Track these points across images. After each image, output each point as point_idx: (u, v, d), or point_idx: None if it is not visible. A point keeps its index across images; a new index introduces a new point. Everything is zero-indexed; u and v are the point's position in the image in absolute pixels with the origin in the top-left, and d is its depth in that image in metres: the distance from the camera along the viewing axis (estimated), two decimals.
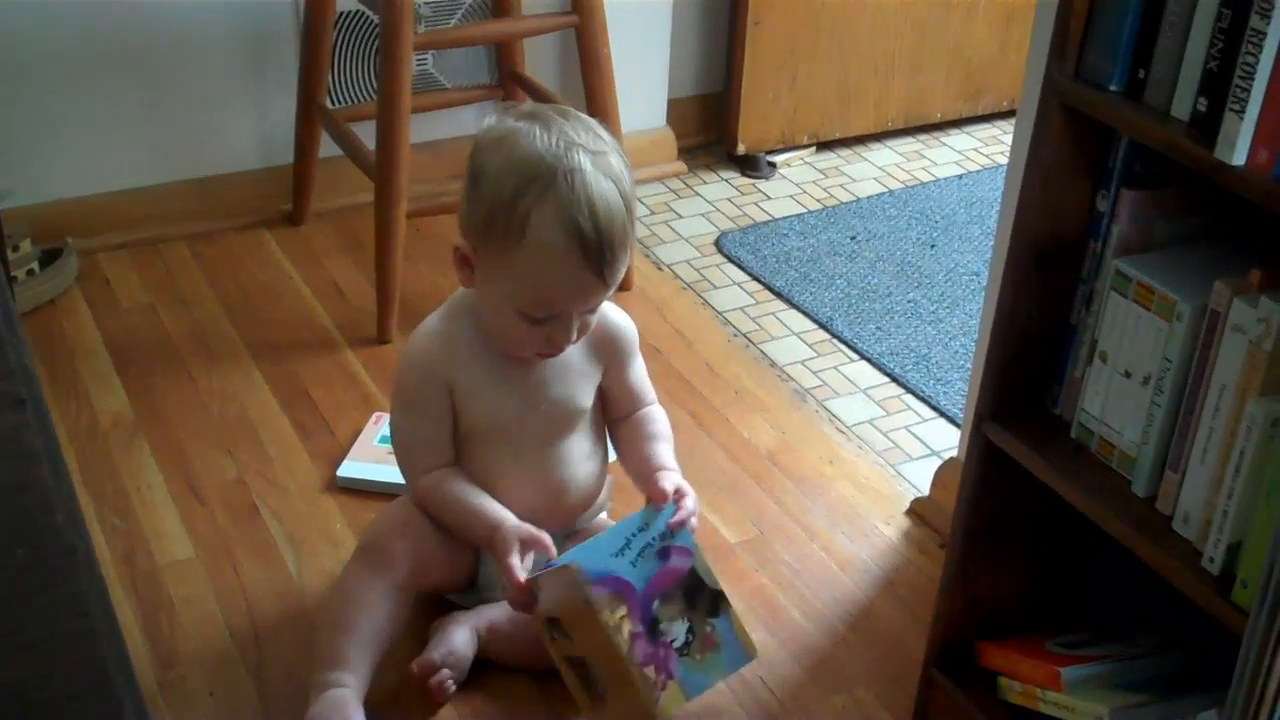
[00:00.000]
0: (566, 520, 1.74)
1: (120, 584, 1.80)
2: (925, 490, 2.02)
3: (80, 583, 0.67)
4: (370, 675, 1.59)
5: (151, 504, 1.94)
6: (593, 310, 1.58)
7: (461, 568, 1.71)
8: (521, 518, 1.63)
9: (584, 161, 1.49)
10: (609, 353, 1.69)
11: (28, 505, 0.71)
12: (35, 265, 2.36)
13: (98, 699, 0.61)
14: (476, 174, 1.53)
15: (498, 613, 1.68)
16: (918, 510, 2.00)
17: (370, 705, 1.57)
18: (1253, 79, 1.09)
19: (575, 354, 1.65)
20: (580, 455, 1.70)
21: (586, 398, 1.69)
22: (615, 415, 1.74)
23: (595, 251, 1.49)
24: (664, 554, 1.56)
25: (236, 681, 1.67)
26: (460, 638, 1.66)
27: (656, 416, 1.74)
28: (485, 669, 1.68)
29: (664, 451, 1.70)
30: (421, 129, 2.56)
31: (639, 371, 1.74)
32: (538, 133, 1.51)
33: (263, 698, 1.64)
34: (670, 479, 1.62)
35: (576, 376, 1.67)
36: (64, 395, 2.15)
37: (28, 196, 2.44)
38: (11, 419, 0.75)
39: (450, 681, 1.63)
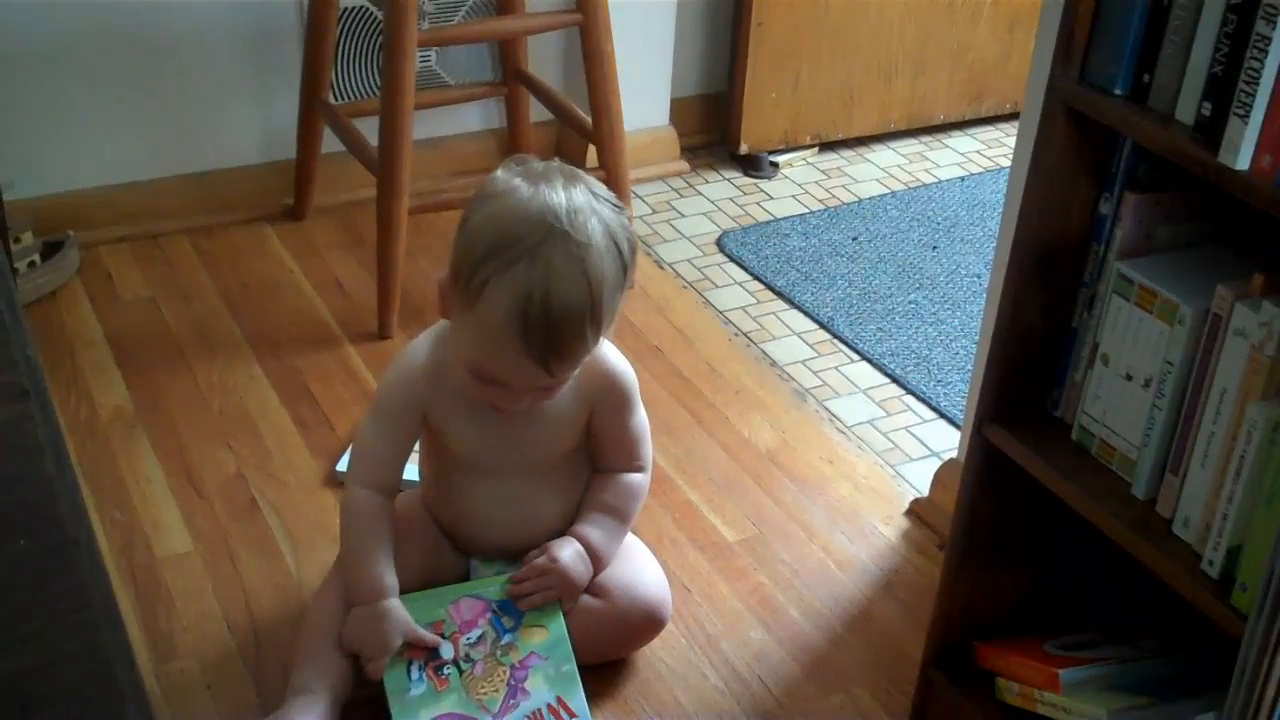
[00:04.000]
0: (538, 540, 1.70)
1: (118, 576, 1.80)
2: (925, 491, 2.02)
3: (83, 574, 0.67)
4: (349, 679, 1.59)
5: (151, 497, 1.94)
6: (547, 389, 1.53)
7: (448, 570, 1.71)
8: (497, 543, 1.68)
9: (558, 251, 1.43)
10: (598, 399, 1.63)
11: (31, 496, 0.71)
12: (37, 257, 2.36)
13: (100, 690, 0.61)
14: (463, 220, 1.51)
15: None
16: (917, 511, 2.00)
17: (364, 713, 1.57)
18: (1257, 84, 1.09)
19: (567, 400, 1.60)
20: (561, 488, 1.68)
21: (568, 440, 1.65)
22: (596, 463, 1.70)
23: (537, 343, 1.44)
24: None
25: (234, 675, 1.67)
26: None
27: (625, 487, 1.68)
28: None
29: (594, 525, 1.66)
30: (424, 125, 2.56)
31: (630, 428, 1.67)
32: (530, 202, 1.46)
33: (260, 692, 1.64)
34: (551, 551, 1.62)
35: (559, 420, 1.63)
36: (64, 388, 2.15)
37: (30, 188, 2.44)
38: (15, 410, 0.75)
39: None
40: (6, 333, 0.83)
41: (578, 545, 1.64)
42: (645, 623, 1.69)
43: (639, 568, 1.71)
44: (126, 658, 0.65)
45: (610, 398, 1.64)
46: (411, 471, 1.75)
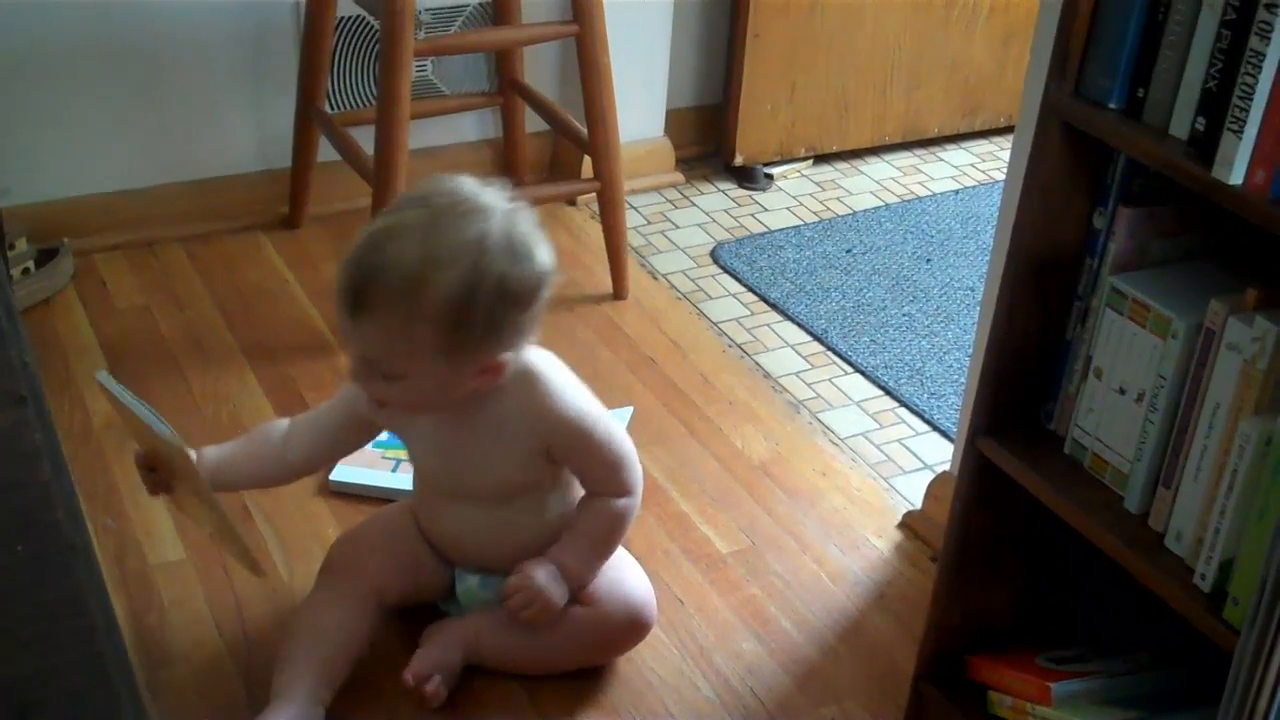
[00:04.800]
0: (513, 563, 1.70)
1: (111, 584, 1.80)
2: (918, 503, 2.03)
3: (80, 580, 0.67)
4: (329, 684, 1.59)
5: (143, 505, 1.93)
6: (382, 373, 1.50)
7: (433, 580, 1.72)
8: (471, 562, 1.70)
9: (417, 218, 1.44)
10: (551, 438, 1.60)
11: (28, 502, 0.71)
12: (31, 264, 2.36)
13: (97, 696, 0.61)
14: None
15: (485, 621, 1.68)
16: (910, 523, 2.00)
17: (362, 715, 1.57)
18: (1251, 99, 1.09)
19: (507, 425, 1.58)
20: (530, 518, 1.66)
21: (520, 473, 1.62)
22: (582, 485, 1.69)
23: (344, 284, 1.46)
24: None
25: (226, 683, 1.66)
26: (450, 645, 1.67)
27: (602, 512, 1.66)
28: (475, 676, 1.68)
29: (568, 548, 1.65)
30: (420, 135, 2.56)
31: (599, 460, 1.63)
32: (453, 183, 1.49)
33: (252, 699, 1.64)
34: (525, 570, 1.63)
35: (504, 449, 1.60)
36: (57, 395, 2.14)
37: (25, 195, 2.44)
38: (12, 416, 0.75)
39: (443, 687, 1.64)
40: (4, 339, 0.83)
41: (552, 566, 1.63)
42: (629, 627, 1.69)
43: (621, 573, 1.70)
44: (123, 663, 0.65)
45: (563, 438, 1.60)
46: (406, 481, 1.75)
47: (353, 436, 1.71)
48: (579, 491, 1.73)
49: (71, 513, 0.72)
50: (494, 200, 1.48)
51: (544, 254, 1.50)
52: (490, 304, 1.45)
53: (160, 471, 1.65)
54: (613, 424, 1.65)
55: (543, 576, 1.62)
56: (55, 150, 2.48)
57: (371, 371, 1.52)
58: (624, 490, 1.66)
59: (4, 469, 0.74)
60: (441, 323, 1.44)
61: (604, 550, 1.67)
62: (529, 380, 1.58)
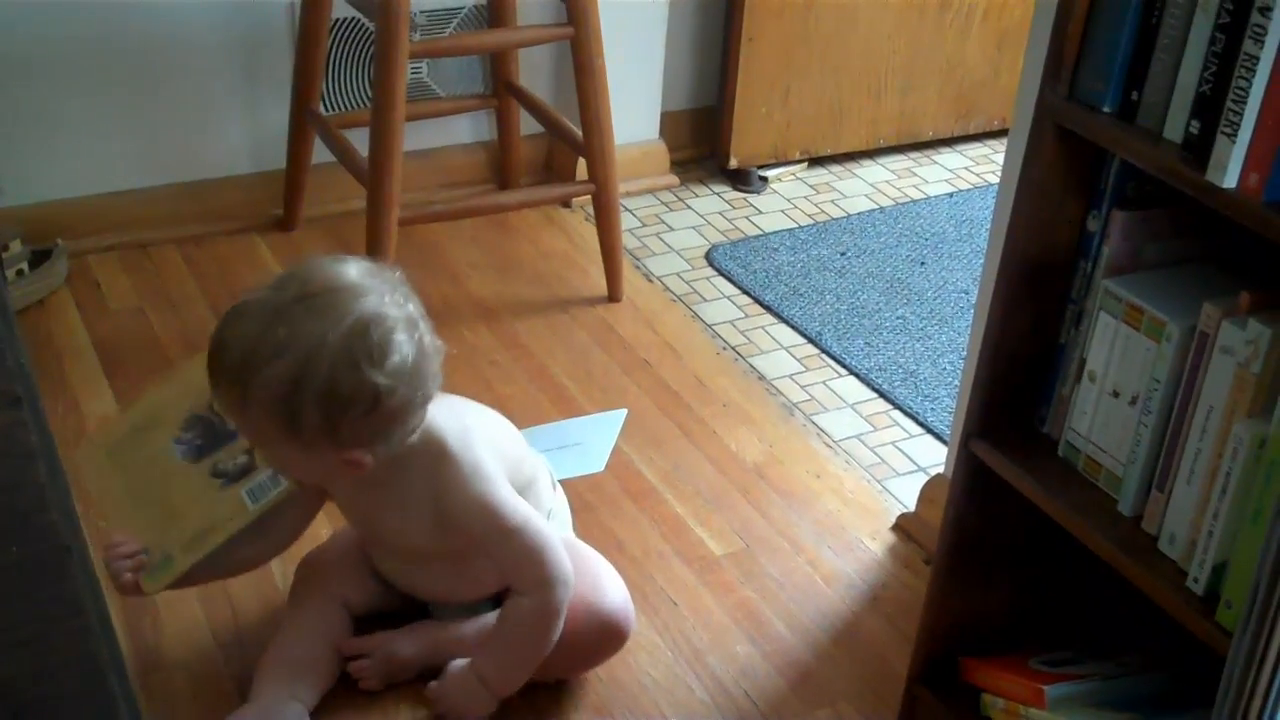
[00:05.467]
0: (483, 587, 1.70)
1: (104, 586, 1.80)
2: (911, 506, 2.03)
3: (75, 581, 0.67)
4: (305, 682, 1.61)
5: None
6: (253, 441, 1.50)
7: (404, 606, 1.73)
8: (424, 597, 1.71)
9: (264, 296, 1.43)
10: (454, 520, 1.56)
11: (23, 503, 0.71)
12: (25, 266, 2.36)
13: (92, 697, 0.61)
14: None
15: (462, 629, 1.69)
16: (904, 526, 2.00)
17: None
18: (1245, 103, 1.10)
19: (410, 498, 1.56)
20: (462, 576, 1.66)
21: (431, 540, 1.59)
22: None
23: (207, 363, 1.45)
24: None
25: (219, 685, 1.66)
26: (407, 640, 1.68)
27: (515, 615, 1.60)
28: None
29: (488, 656, 1.62)
30: (415, 137, 2.56)
31: (507, 554, 1.58)
32: (347, 275, 1.44)
33: (244, 703, 1.64)
34: (441, 689, 1.63)
35: (412, 519, 1.57)
36: (51, 396, 2.14)
37: (19, 197, 2.43)
38: (8, 417, 0.75)
39: (370, 674, 1.65)
40: None
41: (472, 678, 1.62)
42: (606, 639, 1.66)
43: (597, 580, 1.68)
44: (119, 664, 0.65)
45: (465, 524, 1.56)
46: None
47: (312, 497, 1.65)
48: (562, 509, 1.74)
49: (66, 514, 0.72)
50: (359, 301, 1.41)
51: (394, 363, 1.41)
52: (317, 405, 1.39)
53: None
54: (526, 512, 1.58)
55: (458, 694, 1.62)
56: (50, 151, 2.48)
57: (242, 433, 1.53)
58: (542, 584, 1.58)
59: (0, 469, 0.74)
60: (271, 412, 1.40)
61: (528, 657, 1.62)
62: (436, 456, 1.54)
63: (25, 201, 2.45)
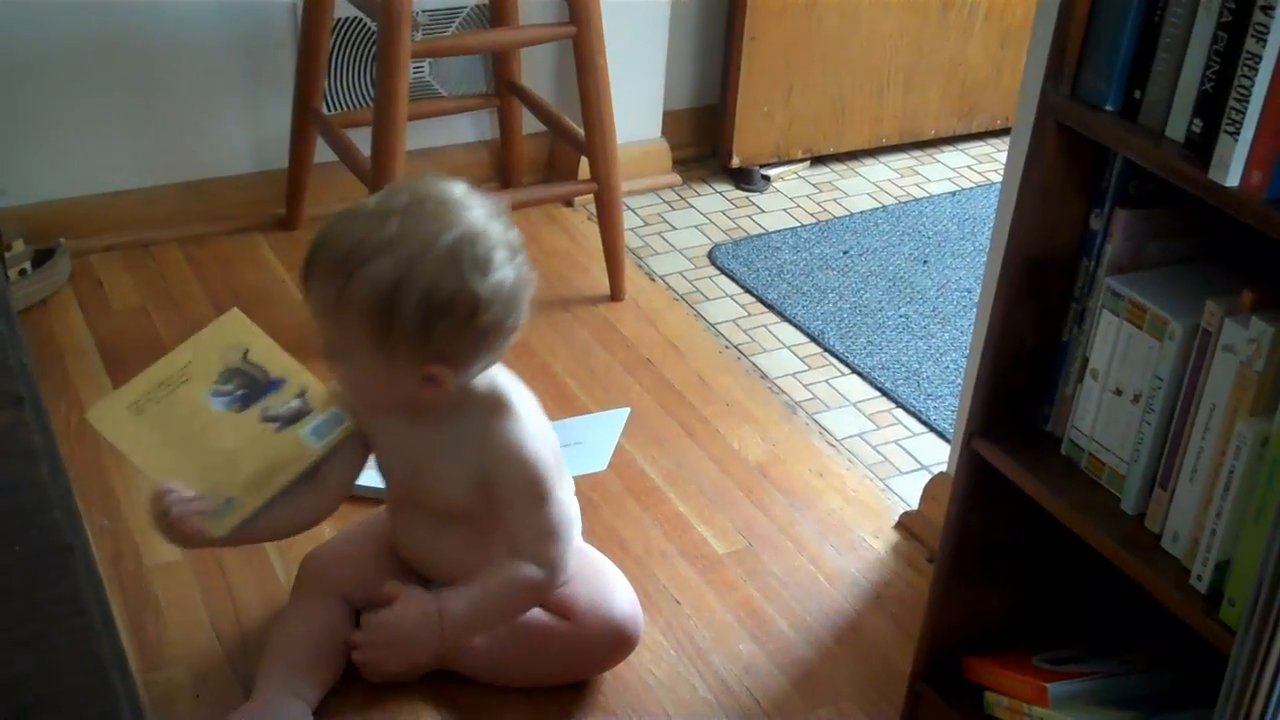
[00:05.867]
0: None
1: (108, 585, 1.80)
2: (914, 504, 2.03)
3: (77, 580, 0.67)
4: (307, 680, 1.61)
5: (140, 506, 1.93)
6: (327, 348, 1.51)
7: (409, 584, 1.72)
8: (433, 575, 1.68)
9: (384, 209, 1.46)
10: (494, 469, 1.56)
11: (25, 503, 0.71)
12: (28, 265, 2.36)
13: (95, 696, 0.61)
14: None
15: None
16: (907, 524, 2.00)
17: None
18: (1248, 101, 1.09)
19: (462, 446, 1.57)
20: (469, 544, 1.64)
21: (460, 494, 1.59)
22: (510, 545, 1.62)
23: (304, 261, 1.49)
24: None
25: (222, 684, 1.66)
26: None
27: (509, 577, 1.58)
28: (473, 687, 1.68)
29: (461, 598, 1.58)
30: (417, 136, 2.56)
31: (530, 520, 1.57)
32: (434, 183, 1.50)
33: (248, 699, 1.64)
34: (396, 606, 1.58)
35: (453, 468, 1.58)
36: (54, 395, 2.14)
37: (22, 196, 2.44)
38: (10, 416, 0.75)
39: (373, 668, 1.64)
40: (1, 340, 0.83)
41: (432, 610, 1.58)
42: (615, 643, 1.67)
43: (608, 587, 1.69)
44: (121, 664, 0.65)
45: (505, 476, 1.56)
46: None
47: (356, 454, 1.65)
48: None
49: (69, 513, 0.72)
50: (466, 211, 1.46)
51: (498, 275, 1.45)
52: (415, 309, 1.42)
53: None
54: (564, 493, 1.60)
55: (412, 614, 1.57)
56: (52, 151, 2.48)
57: (326, 344, 1.52)
58: (547, 563, 1.58)
59: (2, 470, 0.74)
60: (367, 313, 1.43)
61: (496, 617, 1.61)
62: (498, 408, 1.56)
63: (28, 201, 2.46)
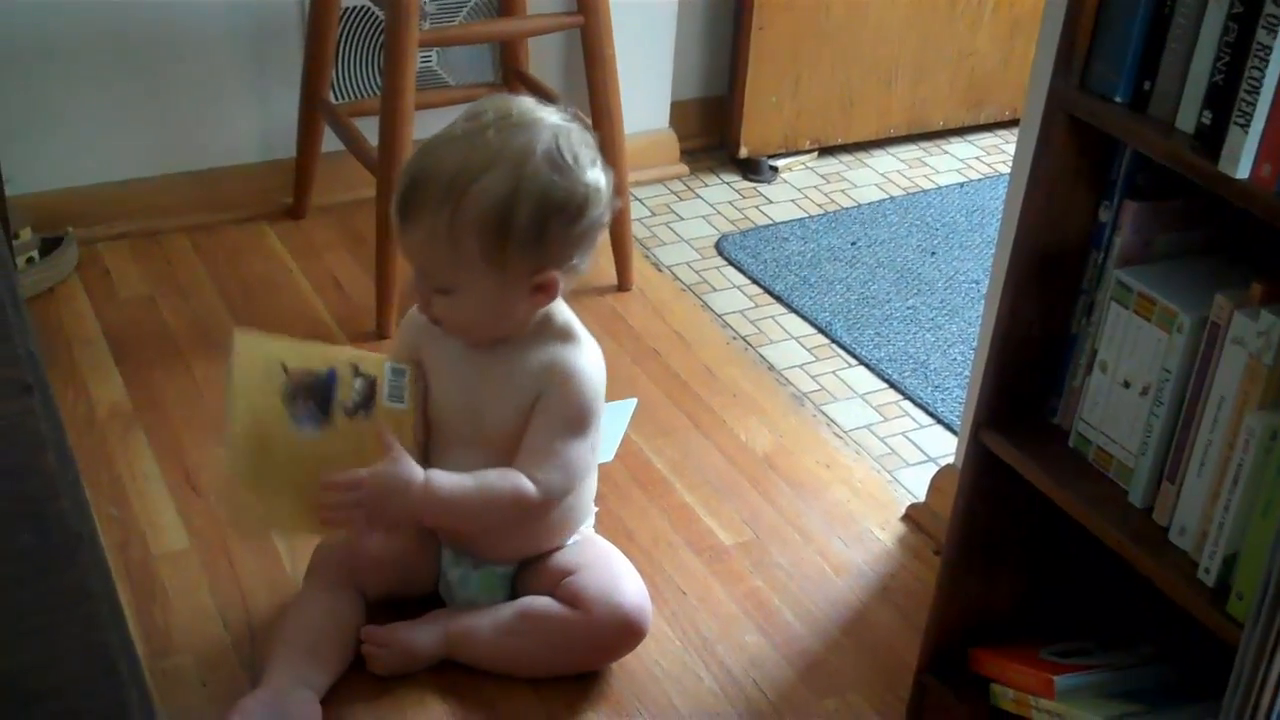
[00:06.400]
0: (499, 549, 1.70)
1: (115, 574, 1.80)
2: (921, 496, 2.03)
3: (85, 569, 0.67)
4: (316, 668, 1.61)
5: (147, 494, 1.94)
6: (434, 285, 1.54)
7: (419, 575, 1.73)
8: (421, 560, 1.70)
9: (469, 130, 1.50)
10: (545, 384, 1.60)
11: (33, 491, 0.71)
12: (35, 253, 2.36)
13: (102, 684, 0.61)
14: None
15: (475, 620, 1.68)
16: (913, 516, 2.00)
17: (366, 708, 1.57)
18: (1258, 93, 1.09)
19: (524, 375, 1.60)
20: None
21: (514, 424, 1.61)
22: (518, 458, 1.62)
23: (398, 190, 1.52)
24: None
25: (229, 672, 1.67)
26: (424, 631, 1.67)
27: (506, 483, 1.58)
28: (479, 678, 1.68)
29: (450, 479, 1.57)
30: (425, 125, 2.55)
31: (549, 441, 1.59)
32: (506, 100, 1.55)
33: (255, 689, 1.64)
34: (394, 450, 1.54)
35: (517, 402, 1.61)
36: (61, 384, 2.14)
37: (29, 184, 2.43)
38: (18, 405, 0.76)
39: (384, 664, 1.65)
40: (9, 328, 0.84)
41: (419, 474, 1.54)
42: (623, 633, 1.66)
43: (616, 576, 1.68)
44: (129, 651, 0.65)
45: (553, 389, 1.59)
46: None
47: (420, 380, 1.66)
48: (587, 499, 1.73)
49: (77, 501, 0.72)
50: (547, 116, 1.53)
51: (593, 171, 1.53)
52: (532, 212, 1.49)
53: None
54: (593, 440, 1.64)
55: (394, 478, 1.53)
56: (59, 140, 2.48)
57: (426, 285, 1.55)
58: (543, 485, 1.59)
59: (9, 457, 0.74)
60: (484, 229, 1.48)
61: (477, 512, 1.60)
62: (568, 338, 1.63)
63: (36, 189, 2.46)
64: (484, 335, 1.61)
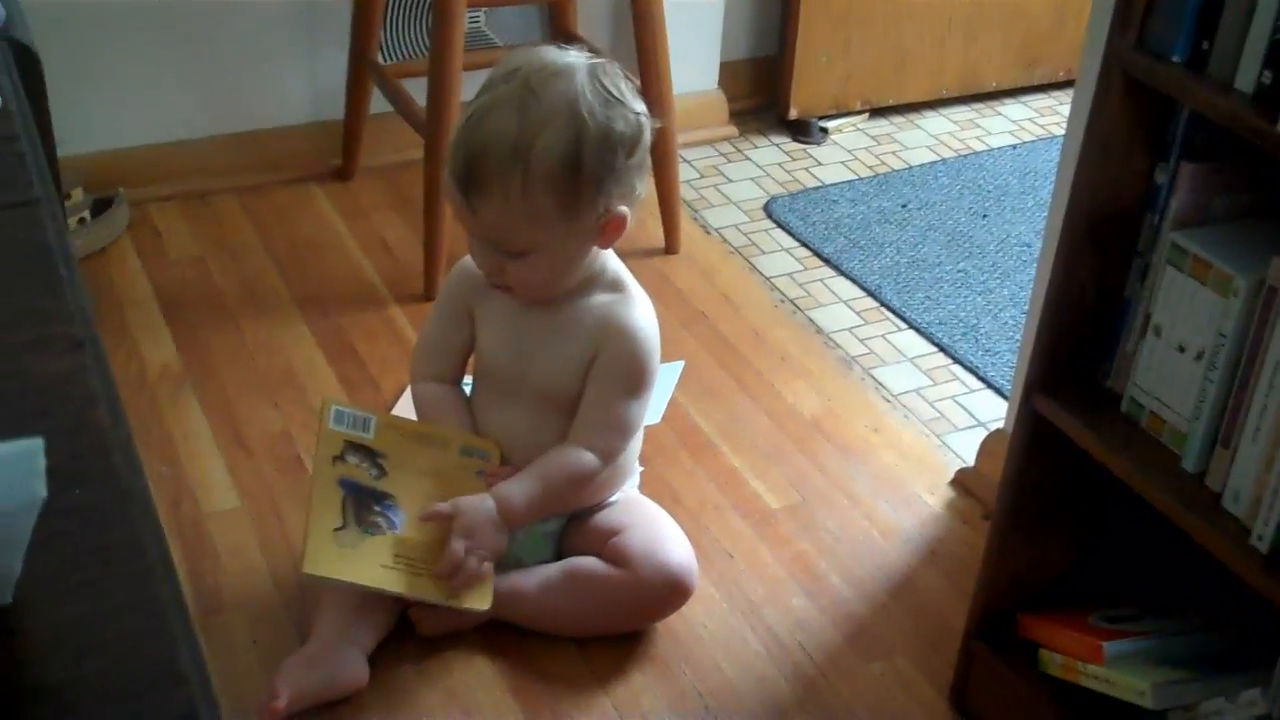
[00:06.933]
0: None
1: (166, 531, 1.81)
2: (970, 461, 2.01)
3: (137, 525, 0.68)
4: (364, 627, 1.61)
5: (198, 453, 1.95)
6: (509, 252, 1.55)
7: None
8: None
9: (508, 91, 1.50)
10: (602, 345, 1.62)
11: (86, 447, 0.72)
12: (86, 214, 2.38)
13: (154, 639, 0.62)
14: None
15: (524, 580, 1.68)
16: (962, 481, 1.99)
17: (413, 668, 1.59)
18: None
19: (578, 328, 1.62)
20: (557, 442, 1.65)
21: (572, 379, 1.64)
22: (573, 426, 1.66)
23: (458, 165, 1.51)
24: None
25: (278, 630, 1.68)
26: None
27: (569, 465, 1.62)
28: (526, 637, 1.69)
29: (518, 487, 1.61)
30: (472, 86, 2.54)
31: (605, 404, 1.63)
32: (528, 55, 1.54)
33: (303, 647, 1.66)
34: (443, 506, 1.58)
35: (570, 357, 1.63)
36: (112, 344, 2.16)
37: (80, 145, 2.45)
38: (71, 361, 0.76)
39: (431, 624, 1.66)
40: (62, 284, 0.84)
41: (487, 498, 1.60)
42: (669, 592, 1.67)
43: (662, 535, 1.69)
44: (181, 606, 0.65)
45: (611, 348, 1.62)
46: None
47: (470, 336, 1.71)
48: (633, 456, 1.73)
49: (129, 458, 0.73)
50: (576, 59, 1.54)
51: (635, 98, 1.56)
52: (598, 154, 1.50)
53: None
54: (648, 400, 1.67)
55: (481, 517, 1.58)
56: (110, 101, 2.49)
57: (496, 254, 1.56)
58: (603, 452, 1.64)
59: (62, 413, 0.75)
60: (556, 181, 1.50)
61: (554, 504, 1.65)
62: (617, 288, 1.64)
63: (87, 150, 2.47)
64: (556, 291, 1.62)
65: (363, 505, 1.58)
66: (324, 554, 1.54)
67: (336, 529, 1.56)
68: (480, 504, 1.59)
